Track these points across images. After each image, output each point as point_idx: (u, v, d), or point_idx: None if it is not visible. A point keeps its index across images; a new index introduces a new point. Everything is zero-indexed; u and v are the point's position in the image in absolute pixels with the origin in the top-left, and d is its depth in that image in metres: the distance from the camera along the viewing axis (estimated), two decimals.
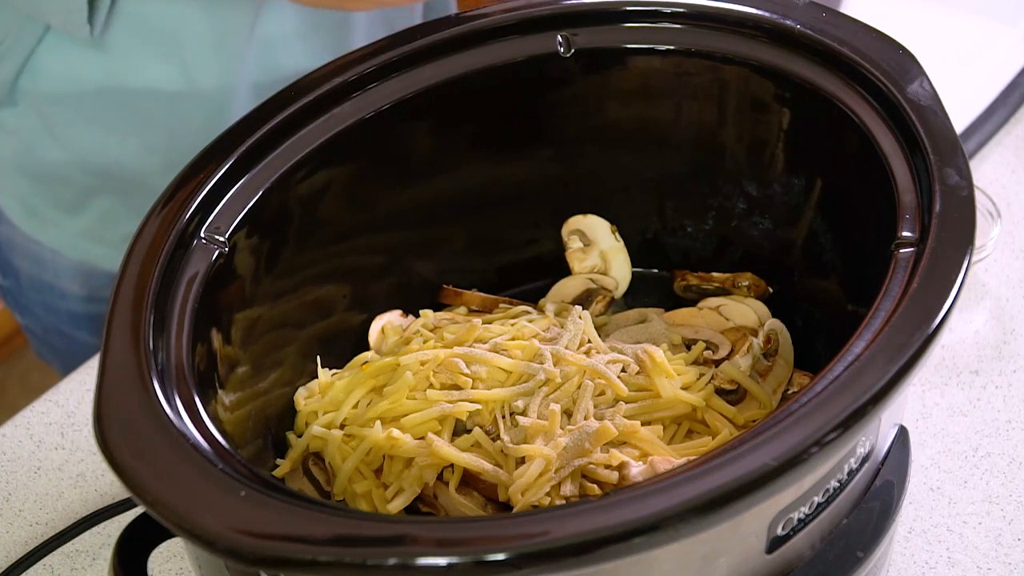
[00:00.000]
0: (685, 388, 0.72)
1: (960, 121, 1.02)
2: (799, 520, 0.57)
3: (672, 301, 0.83)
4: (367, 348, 0.79)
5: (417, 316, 0.81)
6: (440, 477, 0.68)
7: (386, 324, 0.80)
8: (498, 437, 0.68)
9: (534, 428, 0.67)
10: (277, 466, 0.72)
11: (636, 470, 0.64)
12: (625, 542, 0.49)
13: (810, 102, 0.73)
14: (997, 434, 0.83)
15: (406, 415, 0.70)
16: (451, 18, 0.78)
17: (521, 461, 0.67)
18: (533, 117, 0.80)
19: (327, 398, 0.73)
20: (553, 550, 0.49)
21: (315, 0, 0.85)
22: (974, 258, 0.68)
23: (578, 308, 0.77)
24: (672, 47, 0.77)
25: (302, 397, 0.75)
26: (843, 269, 0.75)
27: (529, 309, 0.81)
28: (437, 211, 0.81)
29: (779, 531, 0.57)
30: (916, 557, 0.77)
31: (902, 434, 0.66)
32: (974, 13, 1.19)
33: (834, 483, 0.58)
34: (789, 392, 0.74)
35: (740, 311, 0.79)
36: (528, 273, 0.85)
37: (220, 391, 0.66)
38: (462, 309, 0.82)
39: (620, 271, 0.84)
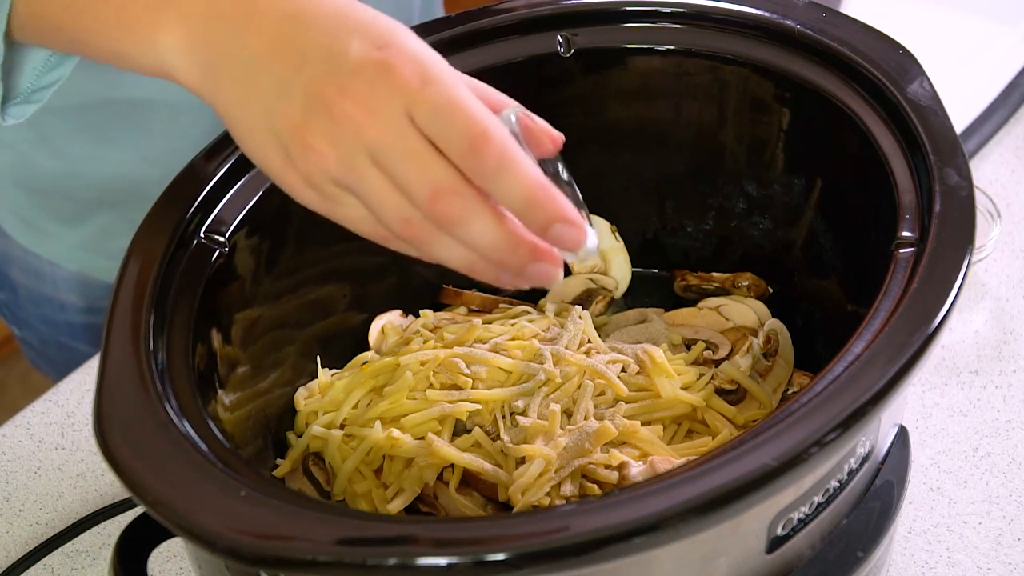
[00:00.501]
0: (685, 388, 0.72)
1: (960, 121, 1.02)
2: (799, 520, 0.57)
3: (672, 301, 0.83)
4: (367, 348, 0.79)
5: (417, 316, 0.81)
6: (440, 477, 0.68)
7: (386, 324, 0.80)
8: (498, 437, 0.68)
9: (534, 428, 0.67)
10: (277, 466, 0.72)
11: (636, 470, 0.64)
12: (625, 542, 0.49)
13: (810, 102, 0.73)
14: (997, 434, 0.83)
15: (406, 415, 0.70)
16: (451, 18, 0.78)
17: (521, 461, 0.67)
18: None
19: (327, 398, 0.73)
20: (553, 550, 0.49)
21: None
22: (974, 258, 0.68)
23: (578, 308, 0.77)
24: (672, 47, 0.77)
25: (302, 397, 0.75)
26: (843, 269, 0.75)
27: (529, 309, 0.81)
28: None
29: (779, 531, 0.57)
30: (916, 557, 0.77)
31: (902, 434, 0.66)
32: (974, 13, 1.19)
33: (834, 483, 0.58)
34: (789, 392, 0.74)
35: (740, 311, 0.79)
36: None
37: (220, 391, 0.66)
38: (462, 309, 0.82)
39: (620, 271, 0.84)
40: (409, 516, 0.67)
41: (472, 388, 0.71)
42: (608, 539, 0.49)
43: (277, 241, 0.72)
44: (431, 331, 0.77)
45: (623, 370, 0.72)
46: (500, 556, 0.49)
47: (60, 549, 0.81)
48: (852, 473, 0.59)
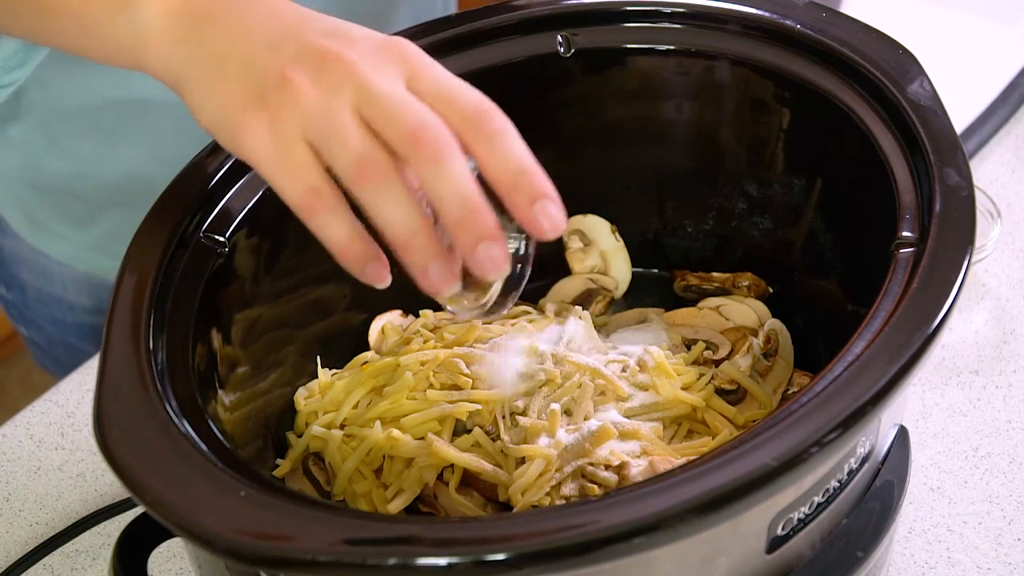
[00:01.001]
0: (685, 388, 0.72)
1: (960, 121, 1.02)
2: (799, 520, 0.57)
3: (672, 301, 0.83)
4: (367, 348, 0.79)
5: (417, 316, 0.81)
6: (440, 477, 0.68)
7: (386, 324, 0.80)
8: (498, 437, 0.68)
9: (534, 428, 0.67)
10: (277, 466, 0.72)
11: (636, 470, 0.64)
12: (625, 542, 0.49)
13: (810, 102, 0.73)
14: (997, 434, 0.83)
15: (406, 415, 0.70)
16: (451, 18, 0.78)
17: (521, 461, 0.67)
18: (533, 117, 0.80)
19: (327, 398, 0.73)
20: (553, 550, 0.49)
21: None
22: (974, 258, 0.68)
23: (578, 308, 0.77)
24: (672, 47, 0.77)
25: (302, 397, 0.75)
26: (843, 269, 0.75)
27: (529, 309, 0.81)
28: None
29: (779, 531, 0.57)
30: (916, 557, 0.77)
31: (902, 434, 0.66)
32: (974, 13, 1.19)
33: (834, 483, 0.58)
34: (789, 392, 0.74)
35: (740, 311, 0.79)
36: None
37: (220, 391, 0.66)
38: None
39: (620, 271, 0.84)
40: (409, 516, 0.67)
41: (472, 388, 0.71)
42: (608, 539, 0.49)
43: (277, 241, 0.72)
44: (431, 331, 0.77)
45: (623, 370, 0.72)
46: (500, 556, 0.49)
47: (60, 549, 0.81)
48: (852, 473, 0.59)
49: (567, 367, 0.71)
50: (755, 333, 0.77)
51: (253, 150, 0.57)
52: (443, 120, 0.54)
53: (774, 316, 0.79)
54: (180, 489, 0.53)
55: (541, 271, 0.84)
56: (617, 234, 0.84)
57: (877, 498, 0.63)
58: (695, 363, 0.75)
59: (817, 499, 0.58)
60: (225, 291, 0.68)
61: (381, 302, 0.80)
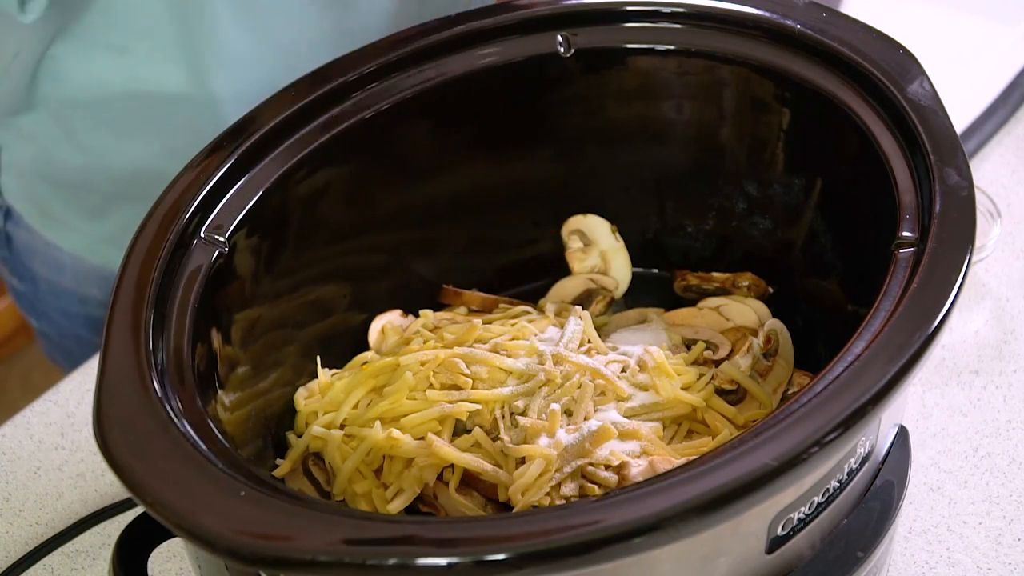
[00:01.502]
0: (685, 388, 0.72)
1: (960, 121, 1.02)
2: (799, 520, 0.57)
3: (672, 301, 0.83)
4: (367, 348, 0.79)
5: (417, 316, 0.81)
6: (440, 477, 0.68)
7: (386, 324, 0.80)
8: (498, 437, 0.68)
9: (534, 428, 0.67)
10: (277, 466, 0.72)
11: (636, 470, 0.64)
12: (625, 542, 0.49)
13: (810, 102, 0.73)
14: (997, 434, 0.83)
15: (406, 415, 0.70)
16: (451, 18, 0.78)
17: (521, 461, 0.67)
18: (533, 117, 0.80)
19: (327, 398, 0.73)
20: (553, 550, 0.49)
21: None
22: (974, 258, 0.68)
23: (578, 308, 0.77)
24: (672, 47, 0.77)
25: (302, 397, 0.75)
26: (843, 269, 0.75)
27: (529, 309, 0.81)
28: (437, 211, 0.81)
29: (779, 531, 0.57)
30: (916, 557, 0.77)
31: (902, 434, 0.66)
32: (974, 13, 1.19)
33: (834, 483, 0.58)
34: (789, 392, 0.74)
35: (740, 311, 0.79)
36: (528, 273, 0.85)
37: (220, 391, 0.66)
38: (462, 309, 0.82)
39: (620, 271, 0.84)
40: (409, 516, 0.67)
41: (472, 388, 0.71)
42: (608, 539, 0.49)
43: (277, 241, 0.72)
44: (431, 331, 0.77)
45: (623, 370, 0.72)
46: (500, 556, 0.49)
47: (60, 549, 0.81)
48: (852, 473, 0.59)
49: (567, 367, 0.71)
50: (755, 333, 0.77)
51: None
52: None
53: (774, 316, 0.79)
54: (180, 489, 0.53)
55: (541, 271, 0.85)
56: (617, 234, 0.84)
57: (877, 498, 0.63)
58: (695, 363, 0.75)
59: (817, 499, 0.58)
60: (225, 291, 0.68)
61: (381, 302, 0.80)
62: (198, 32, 0.93)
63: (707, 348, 0.76)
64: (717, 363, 0.74)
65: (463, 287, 0.82)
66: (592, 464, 0.65)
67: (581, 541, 0.49)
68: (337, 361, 0.77)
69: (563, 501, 0.65)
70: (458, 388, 0.71)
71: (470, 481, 0.68)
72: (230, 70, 0.95)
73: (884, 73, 0.69)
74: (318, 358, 0.76)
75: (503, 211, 0.83)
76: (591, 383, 0.70)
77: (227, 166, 0.69)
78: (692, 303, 0.82)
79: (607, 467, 0.65)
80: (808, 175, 0.77)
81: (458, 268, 0.83)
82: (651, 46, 0.77)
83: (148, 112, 0.97)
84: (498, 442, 0.68)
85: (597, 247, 0.84)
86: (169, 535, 0.60)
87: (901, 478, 0.64)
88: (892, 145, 0.67)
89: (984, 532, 0.78)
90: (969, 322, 0.91)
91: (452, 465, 0.68)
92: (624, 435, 0.67)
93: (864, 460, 0.60)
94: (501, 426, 0.69)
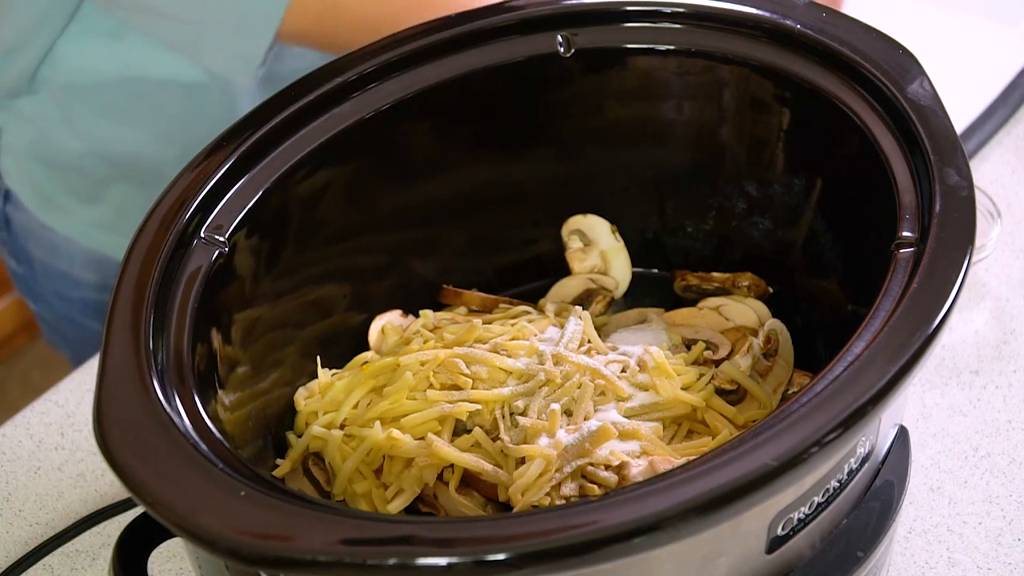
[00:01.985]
0: (685, 388, 0.72)
1: (960, 121, 1.02)
2: (799, 520, 0.57)
3: (672, 301, 0.83)
4: (367, 348, 0.79)
5: (417, 316, 0.81)
6: (440, 477, 0.68)
7: (386, 324, 0.80)
8: (498, 437, 0.68)
9: (534, 428, 0.67)
10: (277, 466, 0.72)
11: (636, 470, 0.64)
12: (625, 542, 0.49)
13: (810, 102, 0.73)
14: (997, 434, 0.83)
15: (406, 415, 0.70)
16: (451, 18, 0.78)
17: (521, 461, 0.67)
18: (533, 117, 0.80)
19: (327, 398, 0.73)
20: (553, 550, 0.49)
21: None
22: (974, 258, 0.68)
23: (578, 308, 0.77)
24: (672, 47, 0.77)
25: (302, 397, 0.75)
26: (843, 269, 0.75)
27: (529, 309, 0.81)
28: (437, 211, 0.81)
29: (779, 531, 0.57)
30: (916, 557, 0.77)
31: (902, 434, 0.66)
32: (974, 13, 1.19)
33: (834, 483, 0.58)
34: (789, 392, 0.74)
35: (740, 311, 0.79)
36: (528, 273, 0.85)
37: (220, 391, 0.66)
38: (462, 309, 0.82)
39: (620, 271, 0.84)
40: (409, 516, 0.67)
41: (472, 388, 0.71)
42: (608, 539, 0.49)
43: (277, 241, 0.72)
44: (431, 331, 0.77)
45: (623, 370, 0.72)
46: (500, 556, 0.49)
47: (60, 549, 0.81)
48: (852, 473, 0.59)
49: (567, 367, 0.71)
50: (755, 333, 0.77)
51: None
52: None
53: (774, 316, 0.79)
54: (180, 489, 0.53)
55: (541, 271, 0.85)
56: (617, 234, 0.84)
57: (877, 498, 0.63)
58: (695, 363, 0.75)
59: (817, 499, 0.58)
60: (225, 291, 0.68)
61: (381, 302, 0.80)
62: None
63: (707, 348, 0.76)
64: (717, 363, 0.74)
65: (463, 287, 0.83)
66: (592, 464, 0.65)
67: (581, 541, 0.49)
68: (337, 361, 0.77)
69: (563, 501, 0.65)
70: (458, 388, 0.71)
71: (470, 481, 0.68)
72: None
73: (884, 73, 0.69)
74: (318, 358, 0.76)
75: (503, 211, 0.83)
76: (591, 383, 0.70)
77: (227, 166, 0.69)
78: (692, 303, 0.82)
79: (607, 467, 0.65)
80: (808, 175, 0.77)
81: (458, 268, 0.83)
82: (651, 46, 0.77)
83: (143, 97, 0.98)
84: (498, 442, 0.68)
85: (597, 247, 0.84)
86: (169, 535, 0.60)
87: (901, 478, 0.64)
88: (892, 145, 0.67)
89: (984, 532, 0.78)
90: (969, 322, 0.91)
91: (452, 465, 0.68)
92: (624, 435, 0.67)
93: (864, 460, 0.60)
94: (501, 426, 0.69)
